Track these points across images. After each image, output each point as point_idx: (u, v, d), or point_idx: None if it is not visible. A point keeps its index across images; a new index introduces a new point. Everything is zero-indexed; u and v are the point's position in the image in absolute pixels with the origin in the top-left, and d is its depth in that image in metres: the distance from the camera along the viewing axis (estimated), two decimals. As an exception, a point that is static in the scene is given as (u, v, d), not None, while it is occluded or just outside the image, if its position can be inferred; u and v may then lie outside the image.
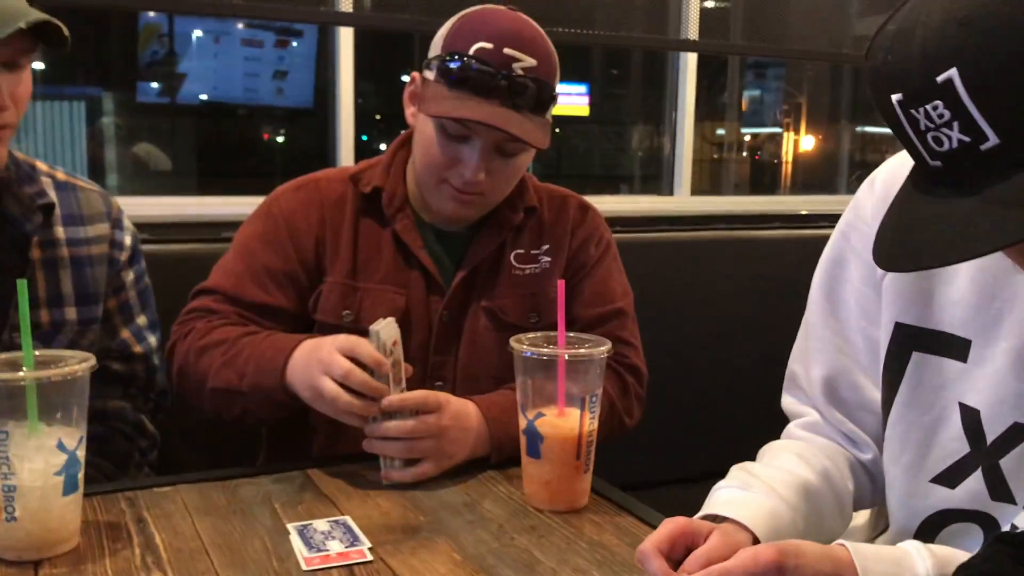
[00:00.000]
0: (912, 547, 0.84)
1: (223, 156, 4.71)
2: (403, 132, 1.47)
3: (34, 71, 1.25)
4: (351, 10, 3.04)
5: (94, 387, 1.39)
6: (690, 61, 3.69)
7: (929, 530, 1.01)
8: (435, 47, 1.35)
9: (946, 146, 0.69)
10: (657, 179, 4.20)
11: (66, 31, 1.20)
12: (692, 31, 3.63)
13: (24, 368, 0.97)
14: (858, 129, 5.47)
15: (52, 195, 1.34)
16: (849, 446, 1.11)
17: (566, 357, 1.11)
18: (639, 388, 1.44)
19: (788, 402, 1.18)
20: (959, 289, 0.97)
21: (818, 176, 5.54)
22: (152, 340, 1.48)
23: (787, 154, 5.47)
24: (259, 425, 1.50)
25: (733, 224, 2.56)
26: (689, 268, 2.06)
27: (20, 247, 1.30)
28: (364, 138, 3.27)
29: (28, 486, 0.96)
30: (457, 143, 1.32)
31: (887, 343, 1.04)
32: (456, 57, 1.29)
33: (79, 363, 0.99)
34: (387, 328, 1.20)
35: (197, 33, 4.34)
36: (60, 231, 1.35)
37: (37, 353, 0.99)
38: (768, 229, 2.30)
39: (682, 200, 3.72)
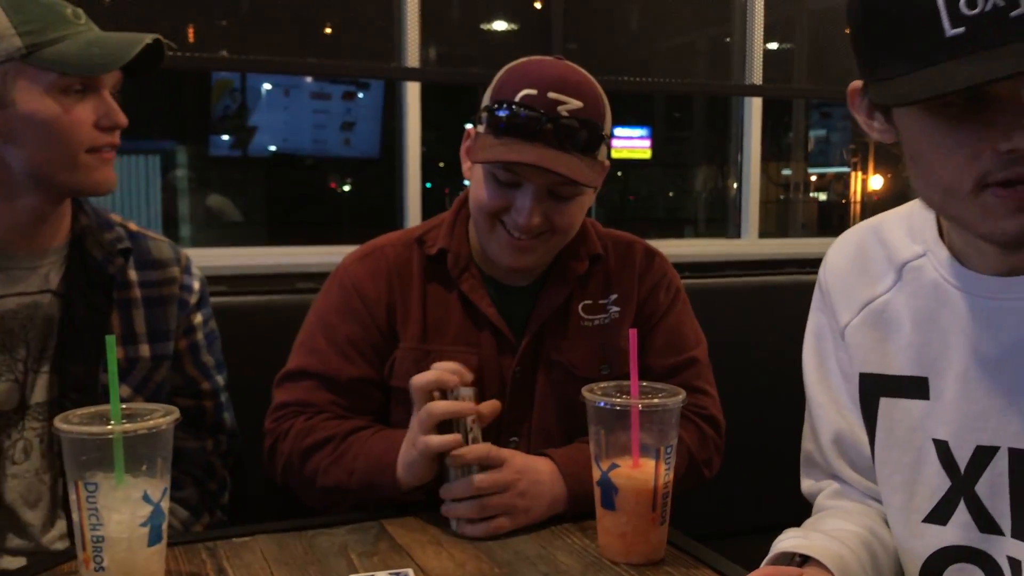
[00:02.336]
0: None
1: (292, 206, 4.83)
2: (464, 191, 1.49)
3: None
4: (418, 66, 3.11)
5: None
6: (755, 103, 3.68)
7: (931, 572, 1.02)
8: (485, 99, 1.37)
9: (978, 9, 0.76)
10: (722, 221, 4.17)
11: (172, 51, 1.29)
12: (756, 75, 3.62)
13: (112, 421, 1.00)
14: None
15: (127, 242, 1.40)
16: (876, 505, 1.12)
17: (640, 407, 1.11)
18: (717, 438, 1.42)
19: (807, 484, 1.20)
20: (906, 333, 1.04)
21: (888, 216, 5.42)
22: (219, 379, 1.52)
23: (855, 194, 5.40)
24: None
25: (804, 268, 2.52)
26: (760, 314, 2.03)
27: (103, 288, 1.36)
28: (428, 185, 3.32)
29: (115, 537, 0.99)
30: (509, 190, 1.33)
31: (858, 394, 1.09)
32: (502, 105, 1.31)
33: (163, 417, 1.02)
34: (466, 392, 1.25)
35: (267, 87, 4.48)
36: (133, 274, 1.41)
37: (123, 406, 1.02)
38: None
39: (750, 243, 3.69)
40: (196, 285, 1.48)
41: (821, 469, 1.16)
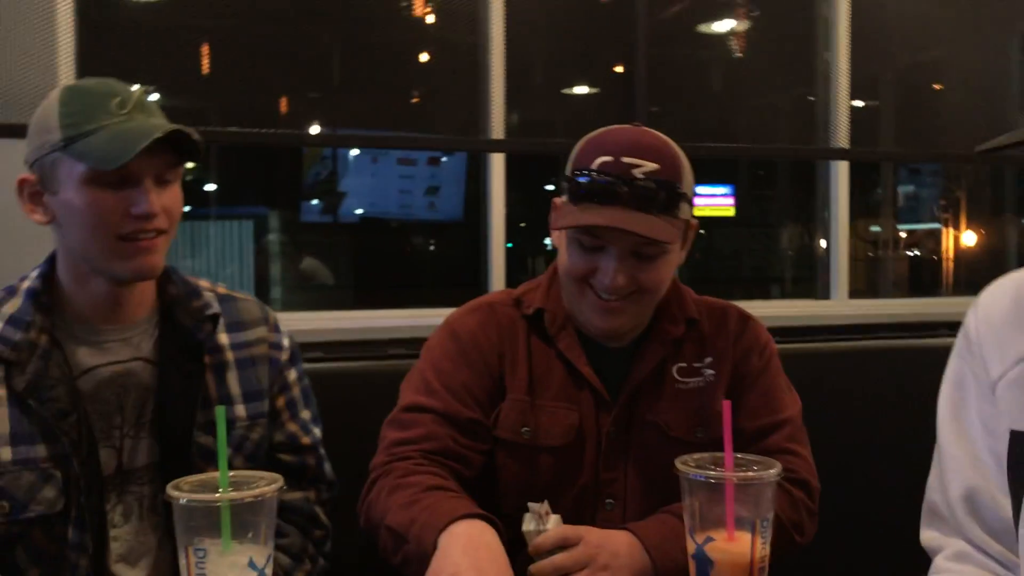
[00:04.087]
0: None
1: (379, 269, 4.93)
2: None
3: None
4: (503, 135, 3.18)
5: None
6: (841, 164, 3.63)
7: None
8: (566, 170, 1.41)
9: None
10: (809, 280, 4.11)
11: (198, 139, 1.32)
12: (842, 136, 3.58)
13: (220, 489, 1.04)
14: (1024, 222, 5.22)
15: (216, 307, 1.45)
16: (1003, 572, 1.05)
17: (735, 481, 1.10)
18: (809, 503, 1.40)
19: (929, 536, 1.13)
20: None
21: (982, 275, 5.26)
22: (317, 432, 1.55)
23: (947, 251, 5.26)
24: None
25: (896, 332, 2.46)
26: (852, 379, 2.00)
27: (194, 354, 1.42)
28: (510, 245, 3.36)
29: (222, 602, 1.02)
30: (594, 254, 1.36)
31: (1006, 453, 1.02)
32: (580, 174, 1.35)
33: (268, 485, 1.05)
34: (553, 520, 1.26)
35: (355, 153, 4.61)
36: (224, 337, 1.46)
37: (231, 474, 1.06)
38: (934, 337, 2.21)
39: (840, 304, 3.62)
40: (286, 342, 1.53)
41: (947, 524, 1.10)
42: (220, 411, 1.07)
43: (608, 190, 1.32)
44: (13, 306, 1.34)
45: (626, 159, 1.33)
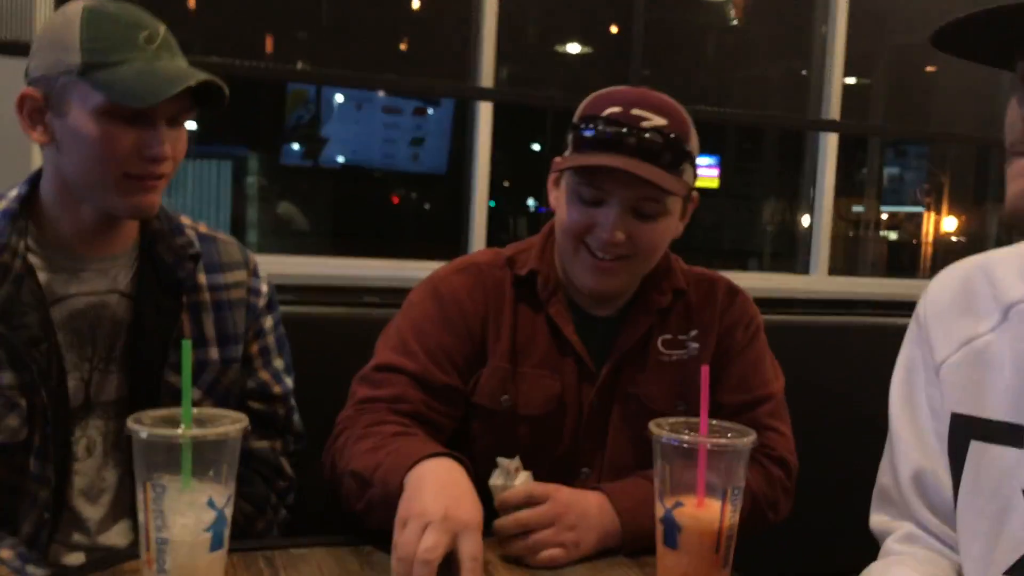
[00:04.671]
0: None
1: (358, 218, 4.88)
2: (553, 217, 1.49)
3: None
4: (492, 86, 3.12)
5: None
6: (830, 139, 3.62)
7: None
8: (572, 122, 1.38)
9: None
10: (788, 256, 4.11)
11: (227, 92, 1.29)
12: (834, 110, 3.56)
13: (182, 426, 1.01)
14: (1006, 211, 5.23)
15: (197, 246, 1.42)
16: (949, 553, 1.07)
17: (708, 446, 1.08)
18: (786, 481, 1.39)
19: (879, 520, 1.15)
20: (1005, 378, 1.00)
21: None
22: (288, 382, 1.53)
23: (927, 234, 5.28)
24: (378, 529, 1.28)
25: (876, 310, 2.46)
26: (830, 355, 1.99)
27: (171, 291, 1.38)
28: (492, 204, 3.33)
29: (178, 540, 1.00)
30: (593, 207, 1.34)
31: (947, 434, 1.05)
32: (587, 124, 1.33)
33: (232, 424, 1.02)
34: (522, 477, 1.25)
35: (339, 99, 4.54)
36: (202, 278, 1.42)
37: (195, 411, 1.03)
38: (911, 317, 2.20)
39: (819, 279, 3.62)
40: (264, 288, 1.50)
41: (897, 507, 1.12)
42: (186, 345, 1.04)
43: (615, 139, 1.30)
44: None
45: (635, 111, 1.31)
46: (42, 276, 1.31)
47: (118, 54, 1.23)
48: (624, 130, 1.30)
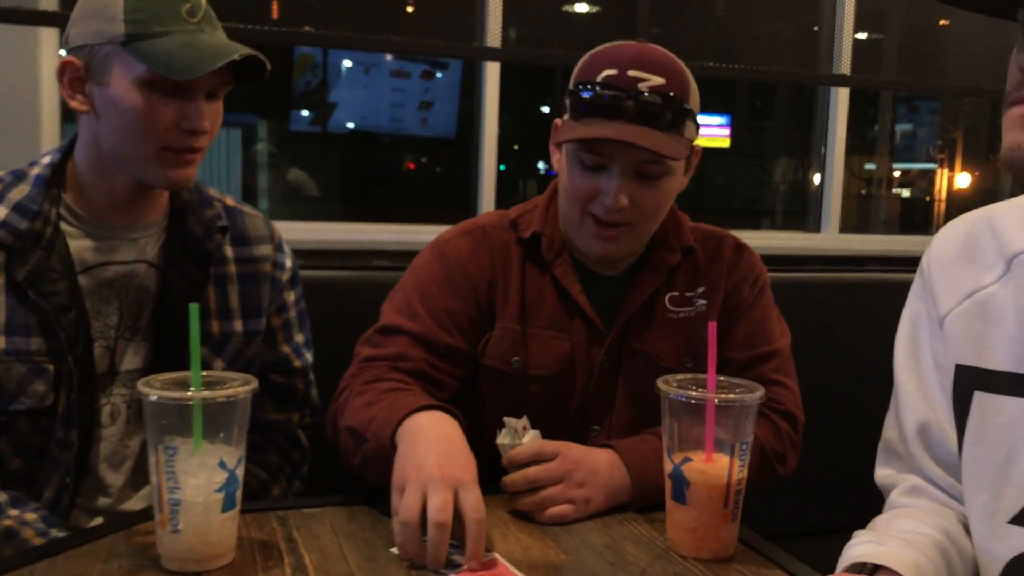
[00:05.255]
0: None
1: (368, 183, 4.87)
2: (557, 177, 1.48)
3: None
4: (499, 46, 3.10)
5: (258, 398, 1.47)
6: (841, 94, 3.58)
7: None
8: (569, 87, 1.36)
9: None
10: (800, 214, 4.09)
11: (269, 67, 1.30)
12: (844, 65, 3.52)
13: (192, 388, 1.02)
14: (1020, 166, 5.17)
15: (225, 219, 1.43)
16: (955, 504, 1.08)
17: (716, 402, 1.09)
18: (793, 434, 1.39)
19: (884, 474, 1.15)
20: (1008, 329, 1.00)
21: (975, 216, 5.25)
22: (308, 357, 1.54)
23: (940, 191, 5.24)
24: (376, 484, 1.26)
25: (887, 266, 2.45)
26: (841, 311, 1.99)
27: (201, 264, 1.39)
28: (502, 167, 3.32)
29: (191, 501, 1.01)
30: (595, 174, 1.32)
31: (951, 386, 1.06)
32: (583, 87, 1.31)
33: (242, 385, 1.03)
34: (530, 435, 1.26)
35: (347, 64, 4.52)
36: (229, 250, 1.43)
37: (204, 374, 1.04)
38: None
39: (831, 237, 3.60)
40: (288, 263, 1.52)
41: (902, 460, 1.13)
42: (194, 308, 1.05)
43: (613, 104, 1.28)
44: (21, 192, 1.30)
45: (632, 73, 1.29)
46: (72, 244, 1.32)
47: (161, 26, 1.24)
48: (621, 94, 1.28)
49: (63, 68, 1.28)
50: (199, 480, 1.01)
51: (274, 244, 1.49)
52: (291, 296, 1.52)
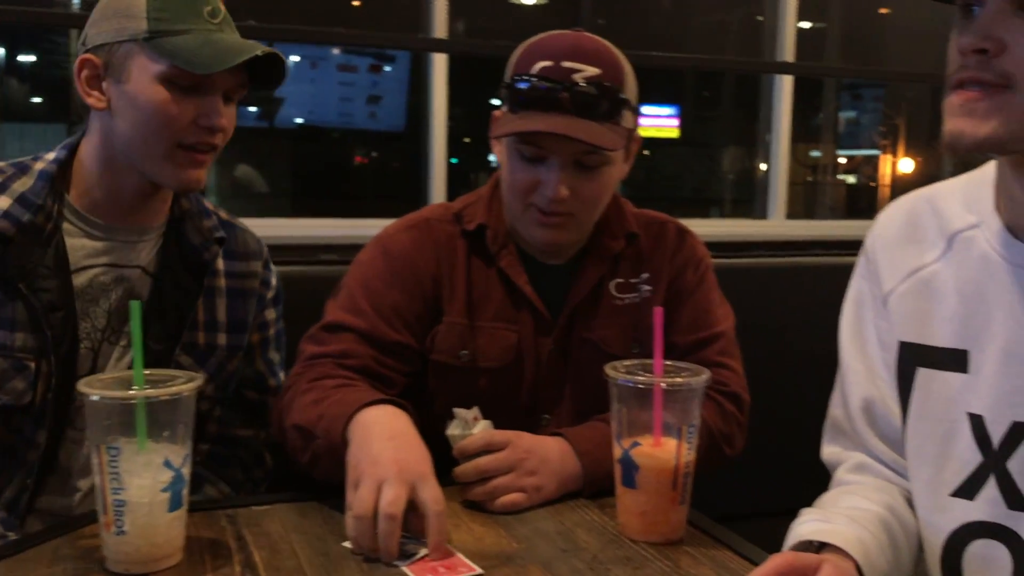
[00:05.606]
0: None
1: (317, 178, 4.83)
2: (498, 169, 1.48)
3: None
4: (445, 37, 3.09)
5: (229, 412, 1.48)
6: (785, 83, 3.63)
7: (954, 547, 1.01)
8: (505, 78, 1.36)
9: None
10: (748, 202, 4.14)
11: (288, 68, 1.31)
12: (788, 53, 3.57)
13: (135, 387, 1.00)
14: (960, 151, 5.29)
15: (221, 231, 1.43)
16: (899, 480, 1.10)
17: (663, 386, 1.10)
18: (740, 415, 1.41)
19: (831, 451, 1.18)
20: (950, 305, 1.02)
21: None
22: (282, 376, 1.54)
23: (885, 177, 5.33)
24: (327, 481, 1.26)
25: (832, 250, 2.49)
26: (788, 295, 2.01)
27: (195, 273, 1.39)
28: (454, 161, 3.31)
29: (136, 501, 0.99)
30: (535, 165, 1.33)
31: (895, 363, 1.08)
32: (519, 79, 1.31)
33: (185, 383, 1.02)
34: (480, 426, 1.26)
35: (294, 59, 4.47)
36: (221, 263, 1.43)
37: (147, 372, 1.02)
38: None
39: (777, 224, 3.65)
40: (274, 281, 1.52)
41: (848, 437, 1.15)
42: (134, 306, 1.03)
43: (548, 96, 1.28)
44: (24, 185, 1.28)
45: (567, 64, 1.29)
46: (70, 242, 1.30)
47: (183, 24, 1.25)
48: (557, 86, 1.28)
49: (81, 66, 1.28)
50: (144, 480, 0.99)
51: (263, 261, 1.49)
52: (272, 314, 1.52)
